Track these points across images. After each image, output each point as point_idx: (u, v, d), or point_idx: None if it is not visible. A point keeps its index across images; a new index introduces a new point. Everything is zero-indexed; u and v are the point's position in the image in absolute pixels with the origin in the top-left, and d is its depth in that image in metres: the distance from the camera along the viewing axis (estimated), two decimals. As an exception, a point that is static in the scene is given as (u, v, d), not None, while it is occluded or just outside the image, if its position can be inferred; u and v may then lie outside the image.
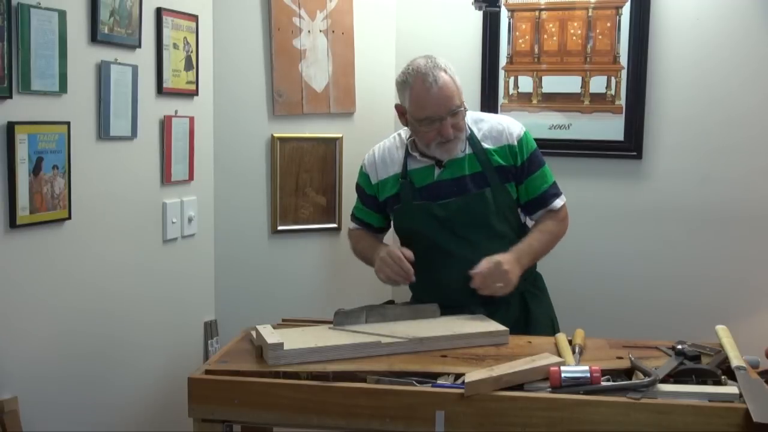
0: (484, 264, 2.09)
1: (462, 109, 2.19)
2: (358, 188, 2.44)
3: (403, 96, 2.23)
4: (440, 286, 2.23)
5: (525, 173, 2.25)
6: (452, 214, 2.21)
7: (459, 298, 2.16)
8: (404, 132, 2.36)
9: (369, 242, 2.41)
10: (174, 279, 2.58)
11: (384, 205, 2.36)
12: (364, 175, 2.40)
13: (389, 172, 2.32)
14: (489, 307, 2.15)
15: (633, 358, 1.76)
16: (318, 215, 2.92)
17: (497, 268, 2.09)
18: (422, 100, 2.16)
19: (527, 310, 2.27)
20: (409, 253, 2.17)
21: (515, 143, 2.24)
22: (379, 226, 2.45)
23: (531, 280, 2.33)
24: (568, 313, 2.40)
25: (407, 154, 2.30)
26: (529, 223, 2.35)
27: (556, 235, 2.29)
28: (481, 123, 2.29)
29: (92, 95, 2.17)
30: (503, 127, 2.27)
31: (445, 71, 2.17)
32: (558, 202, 2.29)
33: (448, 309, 2.15)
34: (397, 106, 2.28)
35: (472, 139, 2.25)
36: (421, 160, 2.27)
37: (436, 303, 2.15)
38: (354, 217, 2.49)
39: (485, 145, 2.25)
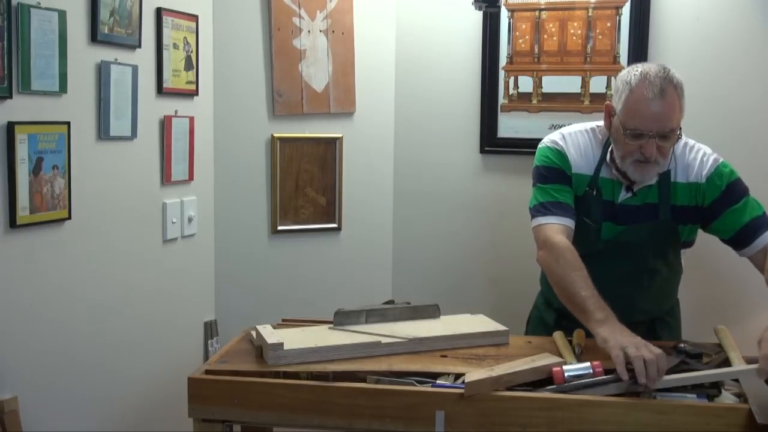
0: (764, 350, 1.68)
1: (676, 134, 1.92)
2: (552, 168, 2.06)
3: (619, 97, 1.94)
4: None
5: (717, 210, 1.99)
6: (616, 239, 2.02)
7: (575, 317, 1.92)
8: (600, 131, 2.08)
9: (580, 272, 1.89)
10: (174, 279, 2.58)
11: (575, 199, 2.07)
12: (559, 154, 2.06)
13: (582, 169, 2.06)
14: None
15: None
16: (318, 215, 2.92)
17: None
18: (638, 109, 1.89)
19: (654, 337, 2.04)
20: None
21: (704, 181, 1.99)
22: (573, 207, 2.05)
23: (667, 308, 2.17)
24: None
25: (602, 159, 2.05)
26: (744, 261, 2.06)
27: None
28: (680, 152, 2.03)
29: (92, 95, 2.17)
30: (698, 160, 2.02)
31: (676, 89, 1.89)
32: None
33: (571, 320, 1.94)
34: (606, 105, 2.01)
35: (666, 173, 2.00)
36: (615, 173, 2.02)
37: (436, 303, 2.15)
38: (540, 208, 2.04)
39: (674, 179, 2.01)
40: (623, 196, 2.03)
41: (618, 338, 1.70)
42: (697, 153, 2.03)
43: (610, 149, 2.03)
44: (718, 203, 1.99)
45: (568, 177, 2.05)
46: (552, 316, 2.19)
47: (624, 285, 2.00)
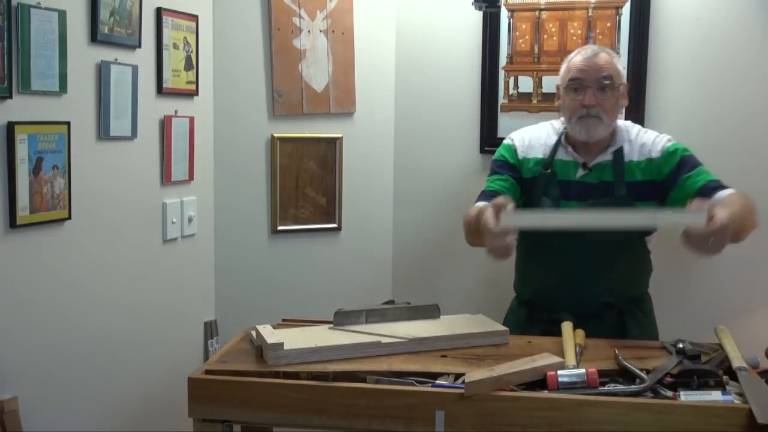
0: (717, 221, 1.67)
1: (612, 85, 2.11)
2: (496, 163, 2.27)
3: (563, 68, 2.21)
4: (539, 287, 2.23)
5: (673, 180, 2.11)
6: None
7: (554, 302, 2.15)
8: (558, 123, 2.28)
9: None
10: (174, 279, 2.58)
11: (523, 183, 2.23)
12: (509, 147, 2.27)
13: (534, 153, 2.24)
14: (581, 318, 2.03)
15: (623, 360, 1.76)
16: (318, 215, 2.92)
17: (724, 229, 1.67)
18: (574, 64, 2.16)
19: (624, 329, 2.16)
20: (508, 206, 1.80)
21: (659, 155, 2.15)
22: (509, 195, 2.15)
23: (635, 302, 2.23)
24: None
25: (558, 143, 2.22)
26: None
27: (751, 207, 1.98)
28: (635, 135, 2.20)
29: (92, 95, 2.17)
30: (651, 141, 2.18)
31: (610, 54, 2.17)
32: (725, 192, 2.03)
33: (541, 310, 2.17)
34: (557, 87, 2.24)
35: (620, 151, 2.16)
36: (571, 153, 2.20)
37: (436, 303, 2.16)
38: (481, 195, 2.20)
39: (626, 158, 2.16)
40: (579, 173, 2.17)
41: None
42: (651, 134, 2.21)
43: (565, 131, 2.21)
44: (674, 173, 2.11)
45: (511, 165, 2.24)
46: (524, 312, 2.25)
47: (587, 263, 2.12)
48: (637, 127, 2.26)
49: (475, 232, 1.98)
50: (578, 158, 2.18)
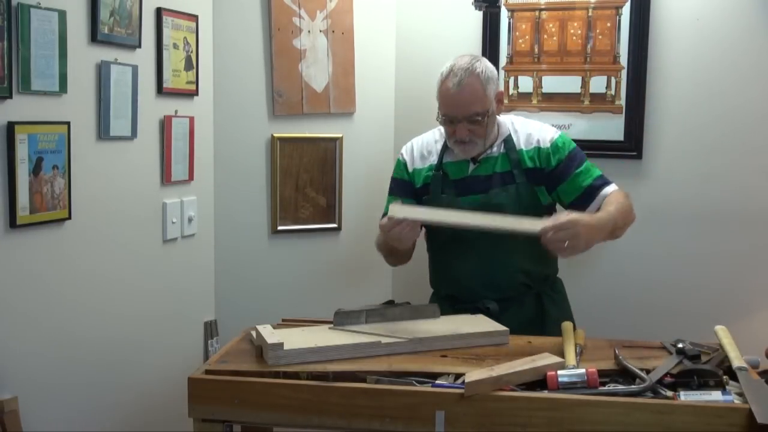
0: (562, 216, 1.93)
1: (482, 118, 2.17)
2: (393, 181, 2.42)
3: (437, 87, 2.25)
4: (457, 278, 2.29)
5: (563, 173, 2.21)
6: (476, 207, 2.19)
7: (475, 291, 2.24)
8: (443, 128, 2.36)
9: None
10: (174, 279, 2.58)
11: (418, 192, 2.34)
12: (400, 163, 2.40)
13: (425, 162, 2.34)
14: (502, 303, 2.20)
15: (623, 360, 1.76)
16: (318, 215, 2.92)
17: (572, 225, 1.89)
18: (443, 98, 2.20)
19: (543, 311, 2.27)
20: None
21: (547, 146, 2.23)
22: None
23: (550, 283, 2.34)
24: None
25: (445, 147, 2.32)
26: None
27: (628, 207, 2.15)
28: (520, 127, 2.30)
29: (92, 95, 2.17)
30: (539, 131, 2.28)
31: (479, 76, 2.16)
32: (608, 189, 2.19)
33: (462, 302, 2.23)
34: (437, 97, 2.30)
35: (509, 141, 2.26)
36: (457, 154, 2.28)
37: (436, 303, 2.16)
38: (383, 217, 2.33)
39: (518, 147, 2.25)
40: (471, 168, 2.27)
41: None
42: (535, 124, 2.31)
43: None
44: (565, 166, 2.21)
45: (404, 182, 2.37)
46: (446, 307, 2.25)
47: (500, 248, 2.20)
48: (520, 118, 2.38)
49: (384, 245, 2.28)
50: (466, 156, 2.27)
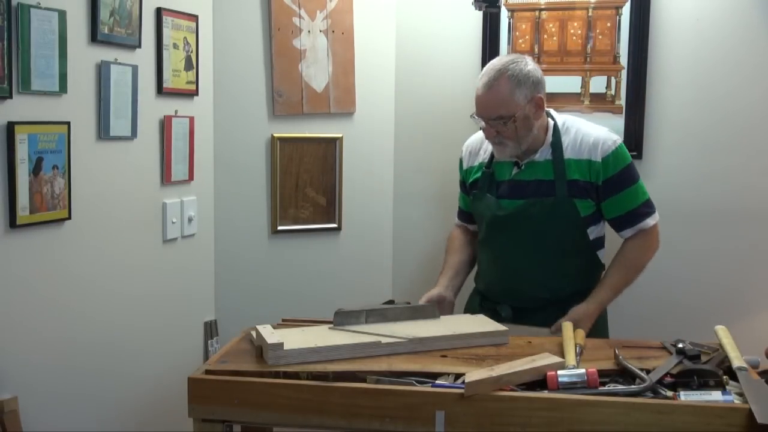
0: (569, 318, 2.09)
1: (507, 121, 2.15)
2: (460, 178, 2.49)
3: None
4: (485, 277, 2.38)
5: (611, 190, 2.20)
6: (509, 214, 2.23)
7: (496, 293, 2.31)
8: None
9: (447, 255, 2.48)
10: (174, 279, 2.58)
11: (469, 189, 2.41)
12: (460, 162, 2.47)
13: (476, 160, 2.39)
14: (520, 312, 2.24)
15: (623, 360, 1.76)
16: (318, 215, 2.92)
17: (579, 326, 2.01)
18: (475, 98, 2.21)
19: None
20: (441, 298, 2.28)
21: (598, 160, 2.18)
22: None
23: (582, 295, 2.25)
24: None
25: None
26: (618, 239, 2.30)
27: (637, 266, 2.25)
28: (574, 132, 2.24)
29: (92, 95, 2.17)
30: (591, 140, 2.21)
31: (509, 79, 2.14)
32: (649, 222, 2.22)
33: (488, 301, 2.33)
34: None
35: (557, 148, 2.22)
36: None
37: (436, 303, 2.16)
38: (458, 211, 2.55)
39: (566, 156, 2.21)
40: (514, 172, 2.27)
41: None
42: (593, 134, 2.23)
43: None
44: (614, 184, 2.20)
45: (462, 181, 2.46)
46: (476, 300, 2.39)
47: (526, 262, 2.24)
48: (581, 122, 2.29)
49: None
50: (513, 158, 2.26)
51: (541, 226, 2.21)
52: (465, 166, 2.42)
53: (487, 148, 2.32)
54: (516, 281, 2.25)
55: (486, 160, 2.33)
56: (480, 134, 2.33)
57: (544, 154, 2.22)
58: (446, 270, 2.40)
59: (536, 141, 2.22)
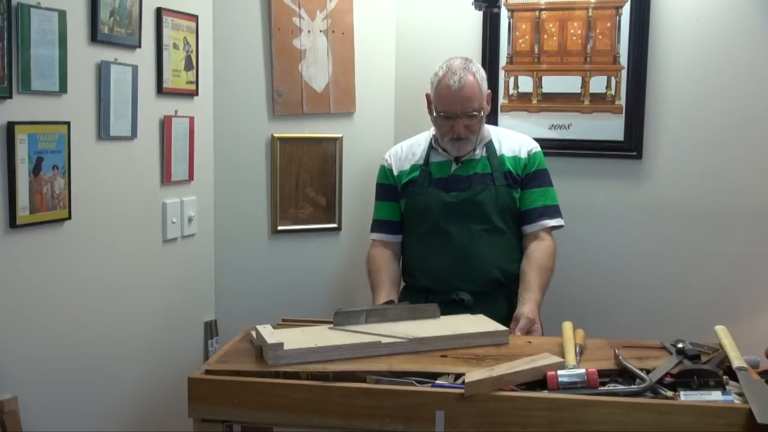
0: (524, 324, 2.22)
1: (478, 114, 2.39)
2: (378, 187, 2.62)
3: (432, 87, 2.45)
4: (434, 270, 2.44)
5: (528, 184, 2.46)
6: (459, 202, 2.42)
7: (450, 283, 2.40)
8: (430, 131, 2.58)
9: (376, 274, 2.53)
10: (174, 279, 2.58)
11: (401, 192, 2.54)
12: (384, 169, 2.60)
13: (408, 164, 2.54)
14: (475, 296, 2.37)
15: (623, 360, 1.76)
16: (318, 215, 2.92)
17: (533, 327, 2.24)
18: (444, 95, 2.39)
19: (513, 309, 2.34)
20: None
21: (525, 156, 2.48)
22: (397, 221, 2.58)
23: (517, 281, 2.44)
24: (568, 313, 2.40)
25: (430, 147, 2.53)
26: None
27: (550, 268, 2.42)
28: (502, 135, 2.54)
29: (92, 95, 2.17)
30: (519, 140, 2.53)
31: (474, 75, 2.38)
32: (550, 222, 2.44)
33: (436, 294, 2.38)
34: (427, 95, 2.50)
35: (491, 146, 2.48)
36: (442, 154, 2.50)
37: (436, 303, 2.16)
38: (373, 225, 2.63)
39: (500, 152, 2.47)
40: (453, 168, 2.47)
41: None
42: (516, 135, 2.57)
43: (432, 138, 2.53)
44: (530, 179, 2.46)
45: (389, 186, 2.58)
46: (421, 298, 2.40)
47: (475, 244, 2.40)
48: (502, 128, 2.65)
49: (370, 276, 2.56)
50: (449, 156, 2.47)
51: (488, 211, 2.41)
52: (396, 171, 2.56)
53: (416, 151, 2.54)
54: (472, 265, 2.39)
55: (420, 162, 2.52)
56: (402, 143, 2.61)
57: (480, 152, 2.47)
58: (381, 283, 2.46)
59: (484, 136, 2.48)
